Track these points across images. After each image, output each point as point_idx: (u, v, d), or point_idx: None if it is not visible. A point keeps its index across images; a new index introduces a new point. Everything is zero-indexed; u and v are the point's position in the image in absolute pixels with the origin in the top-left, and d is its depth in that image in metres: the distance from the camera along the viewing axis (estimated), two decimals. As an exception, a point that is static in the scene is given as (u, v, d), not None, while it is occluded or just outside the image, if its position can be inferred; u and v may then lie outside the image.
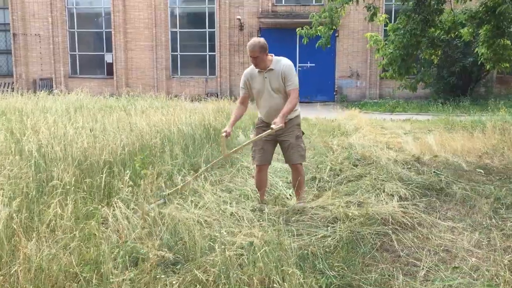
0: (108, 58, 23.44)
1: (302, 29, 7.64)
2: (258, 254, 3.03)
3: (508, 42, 7.93)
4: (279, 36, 21.29)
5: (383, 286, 3.25)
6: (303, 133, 5.03)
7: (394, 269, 3.50)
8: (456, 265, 3.56)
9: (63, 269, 2.95)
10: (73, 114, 7.52)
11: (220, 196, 5.03)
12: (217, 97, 18.21)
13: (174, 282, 2.93)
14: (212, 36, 22.54)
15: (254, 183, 5.13)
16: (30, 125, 6.08)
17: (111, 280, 2.83)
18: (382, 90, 21.58)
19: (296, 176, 4.88)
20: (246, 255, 3.17)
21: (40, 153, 4.60)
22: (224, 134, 4.77)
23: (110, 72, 23.22)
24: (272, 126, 4.50)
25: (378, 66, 8.67)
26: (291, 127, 4.82)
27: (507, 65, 8.11)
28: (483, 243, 4.01)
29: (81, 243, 3.17)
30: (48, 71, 23.33)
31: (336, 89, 21.83)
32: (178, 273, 3.14)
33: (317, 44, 7.57)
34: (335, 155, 7.26)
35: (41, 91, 14.91)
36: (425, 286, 3.25)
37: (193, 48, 23.20)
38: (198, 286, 2.91)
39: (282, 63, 4.70)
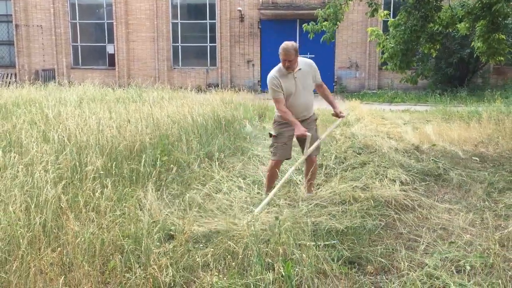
0: (110, 49, 23.68)
1: (308, 24, 8.00)
2: (282, 228, 3.46)
3: (503, 36, 8.33)
4: (279, 27, 21.63)
5: (388, 258, 3.68)
6: None
7: (397, 244, 3.94)
8: (452, 241, 4.01)
9: (109, 242, 3.38)
10: (92, 105, 7.90)
11: (235, 182, 5.46)
12: (218, 87, 18.55)
13: (207, 253, 3.35)
14: (213, 27, 22.82)
15: (267, 177, 5.18)
16: (52, 116, 6.49)
17: (154, 250, 3.25)
18: (381, 81, 21.95)
19: (312, 168, 5.06)
20: (271, 230, 3.60)
21: (70, 141, 5.00)
22: (309, 134, 4.78)
23: (112, 63, 23.49)
24: (343, 114, 5.16)
25: (380, 60, 9.04)
26: (313, 121, 5.13)
27: (502, 58, 8.52)
28: (477, 222, 4.45)
29: (123, 220, 3.59)
30: (50, 62, 23.59)
31: (335, 79, 22.19)
32: (208, 247, 3.57)
33: (322, 39, 7.95)
34: (339, 144, 7.68)
35: (44, 82, 15.22)
36: (424, 258, 3.69)
37: (194, 39, 23.47)
38: (228, 256, 3.34)
39: (308, 63, 5.00)
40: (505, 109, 11.28)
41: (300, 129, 4.74)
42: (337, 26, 7.85)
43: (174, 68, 23.28)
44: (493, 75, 20.77)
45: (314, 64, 5.04)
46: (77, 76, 22.38)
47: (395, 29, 8.10)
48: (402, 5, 8.15)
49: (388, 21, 8.72)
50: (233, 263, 3.27)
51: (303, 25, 8.14)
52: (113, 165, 4.48)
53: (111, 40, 23.37)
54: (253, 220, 3.76)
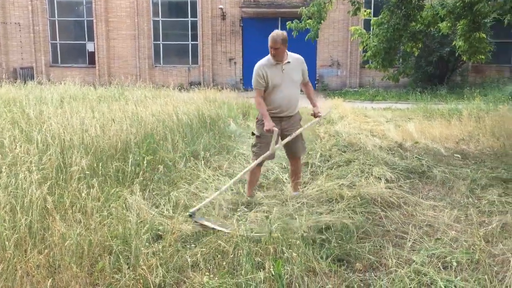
0: (89, 47, 23.41)
1: (292, 22, 8.02)
2: (273, 227, 3.47)
3: (484, 35, 8.48)
4: (261, 25, 21.60)
5: (376, 255, 3.71)
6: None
7: (385, 241, 3.97)
8: (438, 237, 4.06)
9: (97, 243, 3.34)
10: (74, 104, 7.79)
11: (221, 181, 5.45)
12: (200, 86, 18.47)
13: (197, 253, 3.34)
14: (194, 25, 22.72)
15: (248, 178, 5.04)
16: (34, 115, 6.38)
17: (143, 251, 3.22)
18: (362, 79, 22.13)
19: (297, 168, 5.11)
20: (261, 228, 3.60)
21: (54, 141, 4.93)
22: (277, 130, 4.69)
23: (92, 61, 23.22)
24: (320, 114, 5.04)
25: (362, 58, 9.12)
26: (297, 121, 5.07)
27: (483, 57, 8.67)
28: (461, 218, 4.52)
29: (111, 221, 3.55)
30: (28, 60, 23.21)
31: (317, 78, 22.30)
32: (198, 246, 3.56)
33: (306, 37, 7.97)
34: (323, 143, 7.72)
35: (22, 80, 14.94)
36: (412, 254, 3.73)
37: (175, 37, 23.34)
38: (219, 255, 3.33)
39: (299, 58, 4.95)
40: (485, 106, 11.48)
41: (269, 124, 4.65)
42: (320, 25, 7.89)
43: (156, 66, 23.12)
44: (472, 73, 21.13)
45: (304, 61, 5.01)
46: (57, 74, 22.04)
47: (378, 27, 8.18)
48: (385, 4, 8.23)
49: (369, 20, 8.82)
50: (224, 263, 3.26)
51: (287, 23, 8.16)
52: (99, 165, 4.42)
53: (91, 38, 23.10)
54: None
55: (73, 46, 23.74)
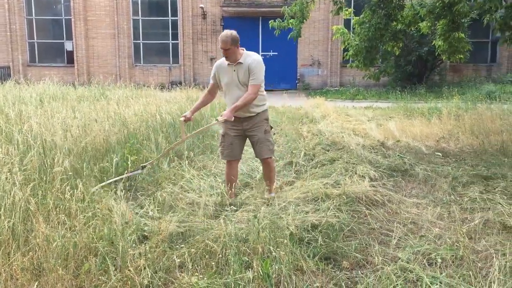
0: (68, 46, 23.09)
1: (275, 21, 8.04)
2: (260, 226, 3.46)
3: (462, 35, 8.63)
4: (241, 25, 21.55)
5: (362, 253, 3.74)
6: (271, 127, 5.10)
7: (370, 239, 4.01)
8: (422, 234, 4.11)
9: (82, 245, 3.29)
10: (54, 104, 7.67)
11: (206, 181, 5.42)
12: (181, 85, 18.38)
13: (185, 253, 3.31)
14: (175, 24, 22.59)
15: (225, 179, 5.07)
16: (13, 115, 6.26)
17: (129, 252, 3.19)
18: (342, 78, 22.29)
19: (266, 170, 5.03)
20: (248, 228, 3.60)
21: (36, 142, 4.84)
22: (182, 118, 4.90)
23: (70, 60, 22.92)
24: (218, 117, 4.70)
25: (345, 57, 9.18)
26: (259, 122, 4.88)
27: (462, 56, 8.82)
28: (444, 215, 4.58)
29: (96, 222, 3.50)
30: (5, 59, 22.77)
31: (298, 77, 22.39)
32: (185, 246, 3.53)
33: (289, 36, 8.00)
34: (307, 142, 7.75)
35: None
36: (397, 252, 3.77)
37: (156, 36, 23.17)
38: (206, 256, 3.31)
39: (251, 57, 4.71)
40: (464, 105, 11.67)
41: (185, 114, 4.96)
42: (302, 24, 7.92)
43: (136, 66, 22.92)
44: (450, 72, 21.49)
45: (255, 62, 4.68)
46: (34, 73, 21.63)
47: (359, 26, 8.25)
48: (367, 4, 8.31)
49: (350, 19, 8.90)
50: (212, 263, 3.24)
51: (270, 22, 8.17)
52: (83, 165, 4.36)
53: (69, 37, 22.78)
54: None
55: (51, 45, 23.38)
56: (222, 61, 4.85)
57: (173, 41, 22.73)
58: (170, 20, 22.62)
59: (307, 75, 22.51)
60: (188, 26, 22.31)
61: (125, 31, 22.42)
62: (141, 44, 22.83)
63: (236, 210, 4.29)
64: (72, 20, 22.31)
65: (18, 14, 22.46)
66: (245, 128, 4.87)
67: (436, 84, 20.05)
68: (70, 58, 22.94)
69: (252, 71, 4.66)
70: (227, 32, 4.64)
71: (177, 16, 22.37)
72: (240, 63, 4.69)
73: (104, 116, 6.35)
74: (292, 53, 22.18)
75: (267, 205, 4.52)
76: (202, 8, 22.02)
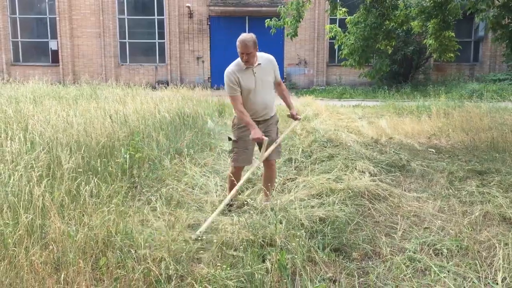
0: (53, 45, 22.88)
1: (271, 20, 8.13)
2: (275, 219, 3.56)
3: (453, 34, 8.84)
4: (228, 24, 21.68)
5: (370, 244, 3.86)
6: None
7: (377, 231, 4.13)
8: (426, 226, 4.26)
9: (100, 240, 3.34)
10: (48, 103, 7.63)
11: (208, 177, 5.50)
12: (168, 85, 18.36)
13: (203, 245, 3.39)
14: (161, 23, 22.54)
15: (228, 184, 4.75)
16: (13, 114, 6.25)
17: (147, 245, 3.25)
18: (329, 77, 22.51)
19: (270, 173, 4.76)
20: (260, 221, 3.69)
21: (42, 140, 4.86)
22: (266, 138, 4.42)
23: (55, 60, 22.72)
24: (299, 117, 4.90)
25: (340, 56, 9.29)
26: (274, 123, 4.75)
27: (452, 55, 9.04)
28: (445, 208, 4.73)
29: (113, 217, 3.55)
30: (-12, 59, 22.50)
31: (285, 76, 22.52)
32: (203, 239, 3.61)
33: (286, 35, 8.11)
34: (302, 139, 7.86)
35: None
36: (404, 243, 3.89)
37: (142, 36, 23.08)
38: (224, 247, 3.40)
39: (268, 57, 4.59)
40: (452, 103, 11.92)
41: (257, 133, 4.30)
42: (299, 23, 8.03)
43: (122, 65, 22.81)
44: (434, 71, 21.84)
45: (274, 60, 4.66)
46: (18, 73, 21.39)
47: (354, 26, 8.40)
48: (362, 3, 8.46)
49: (335, 18, 9.06)
50: (229, 254, 3.32)
51: (266, 21, 8.26)
52: (90, 162, 4.40)
53: (54, 36, 22.57)
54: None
55: (36, 44, 23.13)
56: (236, 65, 4.47)
57: (159, 40, 22.68)
58: (156, 19, 22.57)
59: (293, 74, 22.67)
60: (174, 25, 22.28)
61: (110, 30, 22.30)
62: (127, 43, 22.72)
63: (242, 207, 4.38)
64: (57, 19, 22.12)
65: (1, 12, 22.19)
66: (261, 131, 4.53)
67: (421, 83, 20.37)
68: (55, 58, 22.73)
69: (277, 68, 4.65)
70: (247, 36, 4.35)
71: (163, 15, 22.32)
72: (259, 64, 4.47)
73: (102, 114, 6.37)
74: (279, 52, 22.29)
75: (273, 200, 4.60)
76: (188, 7, 22.01)
